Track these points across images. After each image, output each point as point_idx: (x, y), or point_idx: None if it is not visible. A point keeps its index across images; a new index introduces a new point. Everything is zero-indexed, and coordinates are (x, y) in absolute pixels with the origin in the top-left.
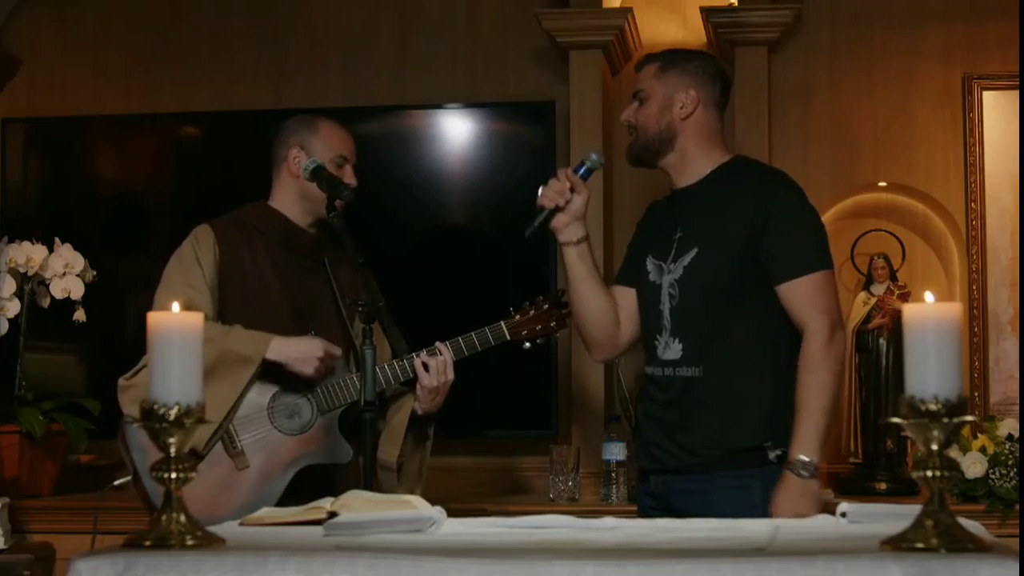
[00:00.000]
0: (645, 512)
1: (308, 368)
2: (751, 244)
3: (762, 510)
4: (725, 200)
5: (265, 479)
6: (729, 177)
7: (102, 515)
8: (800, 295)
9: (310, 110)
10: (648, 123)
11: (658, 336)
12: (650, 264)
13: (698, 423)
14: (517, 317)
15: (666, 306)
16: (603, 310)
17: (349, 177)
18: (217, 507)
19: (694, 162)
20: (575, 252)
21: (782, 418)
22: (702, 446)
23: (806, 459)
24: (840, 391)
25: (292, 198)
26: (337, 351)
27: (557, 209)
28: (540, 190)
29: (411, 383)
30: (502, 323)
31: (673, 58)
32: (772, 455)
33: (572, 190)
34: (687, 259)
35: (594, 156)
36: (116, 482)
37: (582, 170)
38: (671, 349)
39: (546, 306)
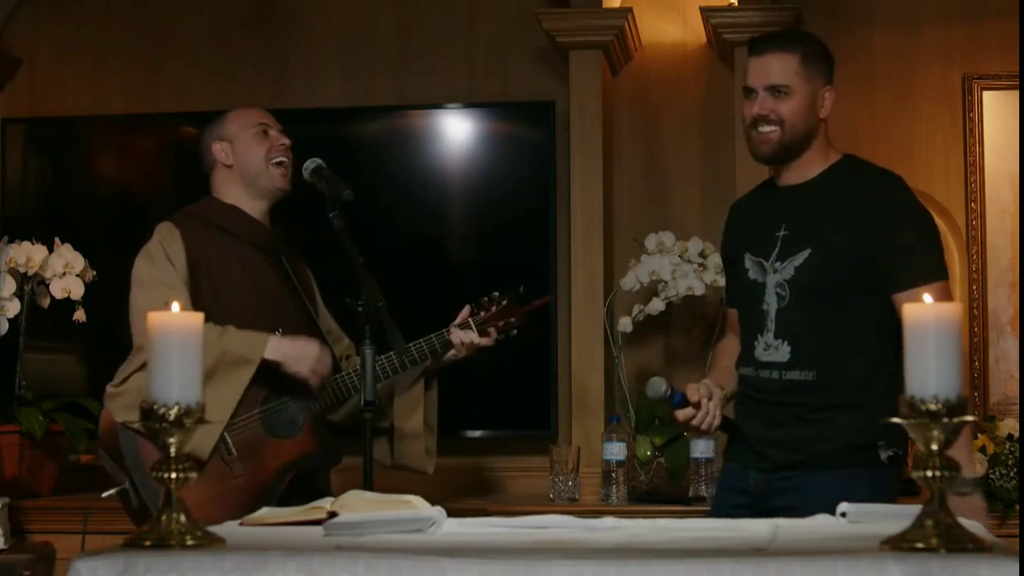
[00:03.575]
0: (727, 510)
1: (304, 368)
2: (868, 250)
3: None
4: (840, 202)
5: (259, 484)
6: (842, 178)
7: (99, 515)
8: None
9: (310, 110)
10: (796, 121)
11: (759, 336)
12: (749, 261)
13: (810, 423)
14: (482, 314)
15: (772, 306)
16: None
17: (277, 139)
18: (212, 515)
19: (809, 159)
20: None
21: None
22: (811, 443)
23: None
24: None
25: (238, 188)
26: (329, 357)
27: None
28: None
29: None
30: (471, 320)
31: (808, 49)
32: (884, 455)
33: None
34: (799, 260)
35: (661, 388)
36: (104, 494)
37: (677, 398)
38: (776, 351)
39: (504, 302)
